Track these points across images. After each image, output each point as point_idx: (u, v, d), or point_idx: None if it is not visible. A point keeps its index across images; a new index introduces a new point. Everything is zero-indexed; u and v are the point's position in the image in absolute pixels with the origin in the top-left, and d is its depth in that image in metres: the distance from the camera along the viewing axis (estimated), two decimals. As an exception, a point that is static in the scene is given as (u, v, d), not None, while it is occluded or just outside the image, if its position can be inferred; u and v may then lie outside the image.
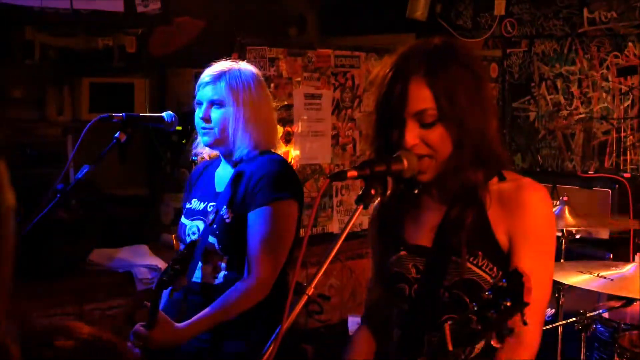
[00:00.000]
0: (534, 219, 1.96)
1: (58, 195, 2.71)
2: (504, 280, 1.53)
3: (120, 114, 2.88)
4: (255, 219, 2.68)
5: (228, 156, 2.86)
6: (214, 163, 3.01)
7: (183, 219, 2.94)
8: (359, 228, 4.71)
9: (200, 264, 2.77)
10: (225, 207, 2.75)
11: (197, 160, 3.45)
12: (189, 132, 4.68)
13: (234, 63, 2.84)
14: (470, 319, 1.58)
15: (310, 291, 1.91)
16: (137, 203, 4.99)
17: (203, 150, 2.97)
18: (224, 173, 2.90)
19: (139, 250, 4.19)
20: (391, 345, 2.12)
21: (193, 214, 2.90)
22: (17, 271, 1.83)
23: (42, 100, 4.73)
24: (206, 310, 2.63)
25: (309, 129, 4.79)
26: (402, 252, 2.08)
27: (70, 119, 4.69)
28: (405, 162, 1.91)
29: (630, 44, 5.38)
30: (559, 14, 5.71)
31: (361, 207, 1.88)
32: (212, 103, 2.77)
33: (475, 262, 1.95)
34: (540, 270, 1.93)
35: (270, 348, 1.75)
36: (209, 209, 2.82)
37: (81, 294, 3.73)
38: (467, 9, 6.21)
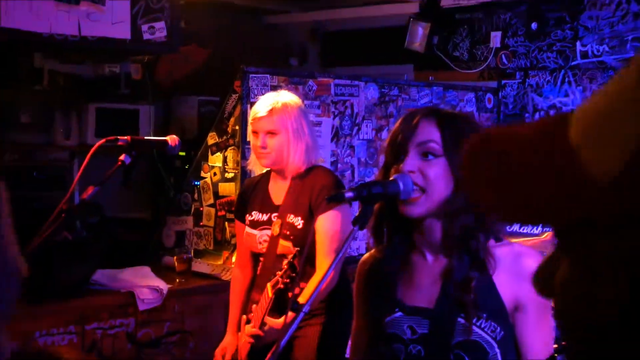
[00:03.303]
0: None
1: (63, 216, 2.73)
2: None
3: (126, 137, 2.92)
4: (324, 221, 3.05)
5: (281, 173, 3.21)
6: (262, 179, 3.35)
7: (249, 229, 3.28)
8: (356, 252, 4.72)
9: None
10: (292, 215, 3.12)
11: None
12: (192, 158, 4.72)
13: (279, 96, 3.22)
14: None
15: (307, 309, 1.96)
16: (141, 226, 4.98)
17: (254, 168, 3.41)
18: (277, 187, 3.26)
19: (142, 271, 4.17)
20: None
21: (258, 224, 3.24)
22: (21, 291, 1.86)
23: (50, 124, 4.73)
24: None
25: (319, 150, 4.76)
26: (398, 314, 2.05)
27: (77, 143, 4.69)
28: (401, 185, 1.92)
29: (621, 76, 5.42)
30: (553, 47, 5.73)
31: (357, 227, 1.92)
32: (268, 133, 3.11)
33: (479, 323, 1.95)
34: (548, 325, 2.01)
35: None
36: (273, 219, 3.18)
37: (84, 314, 3.70)
38: (463, 41, 6.21)
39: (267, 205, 3.23)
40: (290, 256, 2.88)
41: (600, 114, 0.52)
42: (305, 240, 3.02)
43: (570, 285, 0.56)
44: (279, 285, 2.78)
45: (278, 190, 3.23)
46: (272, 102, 3.14)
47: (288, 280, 2.75)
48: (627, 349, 0.53)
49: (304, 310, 1.93)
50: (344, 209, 3.08)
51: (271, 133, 3.10)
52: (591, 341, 0.56)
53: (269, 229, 3.16)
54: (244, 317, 3.11)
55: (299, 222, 3.10)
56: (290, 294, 2.83)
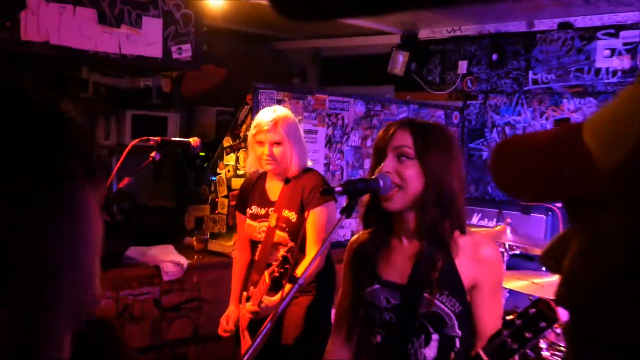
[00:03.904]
0: (492, 269, 2.01)
1: (102, 202, 2.71)
2: (532, 311, 1.59)
3: (156, 138, 2.92)
4: (313, 216, 3.01)
5: (279, 174, 3.15)
6: (259, 178, 3.29)
7: (249, 221, 3.24)
8: (343, 238, 4.73)
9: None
10: (287, 210, 3.09)
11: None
12: (210, 158, 4.72)
13: (278, 111, 3.15)
14: (505, 341, 1.63)
15: (302, 282, 1.96)
16: (166, 212, 4.97)
17: (251, 171, 3.32)
18: (273, 186, 3.20)
19: (166, 249, 4.16)
20: (372, 347, 2.07)
21: (257, 217, 3.20)
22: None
23: (93, 127, 4.72)
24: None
25: (309, 154, 4.76)
26: (376, 286, 2.06)
27: (116, 143, 4.68)
28: (381, 182, 1.94)
29: (565, 100, 5.41)
30: (509, 75, 5.72)
31: (344, 216, 1.92)
32: (274, 143, 3.05)
33: (441, 298, 1.96)
34: (499, 303, 2.03)
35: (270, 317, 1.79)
36: (270, 213, 3.13)
37: (118, 282, 3.71)
38: (436, 68, 6.20)
39: (264, 201, 3.18)
40: (285, 249, 2.92)
41: (608, 117, 0.55)
42: (298, 231, 3.04)
43: (581, 254, 0.57)
44: (274, 274, 2.79)
45: (274, 189, 3.18)
46: (274, 116, 3.09)
47: (282, 270, 2.75)
48: (628, 306, 0.54)
49: (299, 282, 1.92)
50: (330, 205, 3.06)
51: (277, 143, 3.05)
52: (597, 302, 0.56)
53: (267, 221, 3.13)
54: (245, 293, 3.11)
55: (293, 216, 3.07)
56: (284, 281, 2.86)
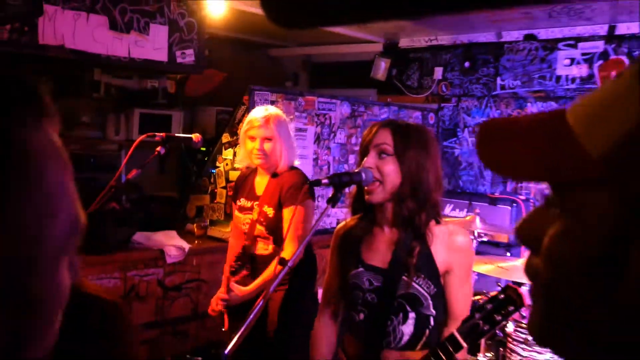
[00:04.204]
0: (464, 255, 2.02)
1: (112, 191, 2.71)
2: (501, 296, 1.63)
3: (161, 134, 2.90)
4: (290, 214, 2.88)
5: (268, 170, 3.04)
6: (251, 173, 3.18)
7: (237, 213, 3.15)
8: (329, 226, 4.73)
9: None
10: (266, 206, 2.98)
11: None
12: (210, 152, 4.70)
13: (270, 110, 3.03)
14: (477, 324, 1.67)
15: (292, 264, 1.95)
16: (170, 201, 4.95)
17: (242, 164, 3.18)
18: (261, 181, 3.09)
19: (170, 234, 4.15)
20: (355, 324, 2.07)
21: (244, 210, 3.11)
22: (79, 247, 1.84)
23: (104, 124, 4.69)
24: (262, 276, 2.94)
25: (297, 153, 4.75)
26: (360, 269, 2.07)
27: (125, 138, 4.65)
28: (363, 175, 1.95)
29: (529, 104, 5.43)
30: (480, 81, 5.73)
31: (330, 206, 1.92)
32: (265, 139, 2.95)
33: (417, 281, 1.97)
34: (469, 285, 2.04)
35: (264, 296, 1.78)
36: (255, 207, 3.04)
37: (125, 264, 3.69)
38: (414, 73, 6.20)
39: (251, 195, 3.09)
40: (263, 242, 2.97)
41: (596, 103, 0.53)
42: (275, 226, 2.95)
43: (566, 235, 0.54)
44: (232, 268, 2.87)
45: (261, 183, 3.08)
46: (267, 113, 2.99)
47: (240, 263, 2.85)
48: (606, 282, 0.51)
49: (288, 264, 1.92)
50: (307, 204, 2.93)
51: (267, 139, 2.95)
52: (576, 277, 0.53)
53: (251, 214, 3.05)
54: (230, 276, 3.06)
55: (271, 211, 2.96)
56: (244, 272, 2.93)
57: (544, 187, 0.59)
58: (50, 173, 0.55)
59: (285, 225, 2.90)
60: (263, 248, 3.05)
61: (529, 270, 0.58)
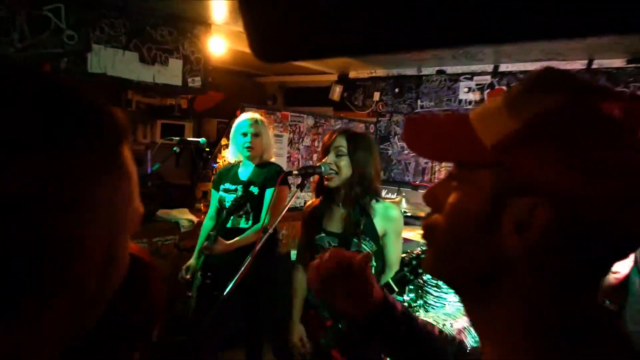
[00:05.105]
0: (396, 223, 1.99)
1: (141, 180, 2.69)
2: (422, 256, 1.65)
3: (177, 138, 2.93)
4: (269, 193, 2.70)
5: (254, 160, 2.79)
6: (234, 166, 2.92)
7: (221, 194, 2.83)
8: (299, 205, 4.79)
9: (232, 217, 2.74)
10: (253, 186, 2.74)
11: (221, 163, 3.83)
12: (212, 152, 4.70)
13: (256, 114, 2.83)
14: (405, 275, 1.69)
15: (271, 230, 1.86)
16: (184, 187, 4.94)
17: (227, 157, 2.98)
18: (245, 170, 2.84)
19: (183, 211, 4.09)
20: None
21: (228, 191, 2.84)
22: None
23: (135, 130, 4.65)
24: (241, 236, 2.66)
25: (275, 153, 4.70)
26: (322, 235, 2.03)
27: (150, 141, 4.62)
28: (324, 168, 1.96)
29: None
30: (405, 102, 5.72)
31: (299, 190, 1.85)
32: (254, 135, 2.75)
33: (364, 242, 1.95)
34: (399, 244, 2.03)
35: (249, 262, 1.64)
36: (240, 188, 2.78)
37: (151, 232, 3.67)
38: (360, 96, 6.15)
39: (235, 180, 2.84)
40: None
41: (486, 112, 0.53)
42: (257, 203, 2.69)
43: (460, 194, 0.54)
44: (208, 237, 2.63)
45: (244, 172, 2.84)
46: (255, 116, 2.82)
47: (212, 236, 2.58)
48: (486, 228, 0.51)
49: (269, 231, 1.83)
50: (283, 189, 2.71)
51: (256, 135, 2.76)
52: (465, 225, 0.53)
53: (236, 194, 2.78)
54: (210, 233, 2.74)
55: (257, 191, 2.75)
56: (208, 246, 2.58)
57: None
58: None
59: (265, 202, 2.72)
60: (244, 222, 2.82)
61: (429, 223, 0.57)
